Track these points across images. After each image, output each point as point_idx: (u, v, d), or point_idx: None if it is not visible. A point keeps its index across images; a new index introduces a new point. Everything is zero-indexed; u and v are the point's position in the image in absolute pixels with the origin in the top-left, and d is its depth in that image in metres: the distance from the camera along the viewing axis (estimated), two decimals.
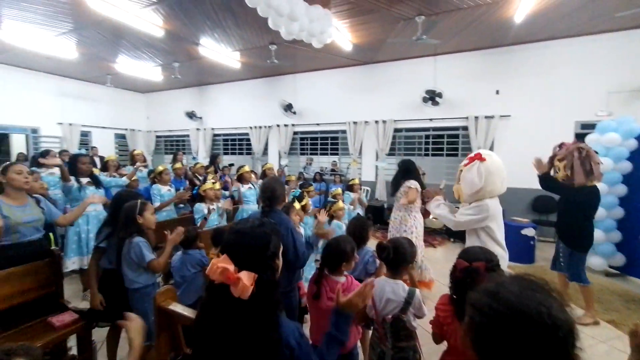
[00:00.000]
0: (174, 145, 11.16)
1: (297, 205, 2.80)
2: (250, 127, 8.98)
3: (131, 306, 2.09)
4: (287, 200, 2.45)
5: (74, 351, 2.26)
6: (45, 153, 4.35)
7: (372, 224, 2.46)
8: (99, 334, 2.35)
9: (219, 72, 8.17)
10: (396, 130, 7.20)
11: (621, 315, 3.12)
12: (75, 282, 3.51)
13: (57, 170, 3.90)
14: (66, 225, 2.83)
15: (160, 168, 4.19)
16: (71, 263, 3.22)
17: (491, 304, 0.66)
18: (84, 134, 9.49)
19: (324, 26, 4.34)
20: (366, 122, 7.40)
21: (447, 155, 6.85)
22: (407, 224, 3.57)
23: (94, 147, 8.59)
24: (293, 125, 8.40)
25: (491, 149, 6.21)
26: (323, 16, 4.25)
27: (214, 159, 6.23)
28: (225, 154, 9.93)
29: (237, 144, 9.82)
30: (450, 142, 6.83)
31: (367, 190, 7.46)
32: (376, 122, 7.23)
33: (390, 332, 1.61)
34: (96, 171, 3.79)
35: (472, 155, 2.17)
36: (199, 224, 3.39)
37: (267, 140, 8.90)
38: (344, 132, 7.83)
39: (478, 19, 4.95)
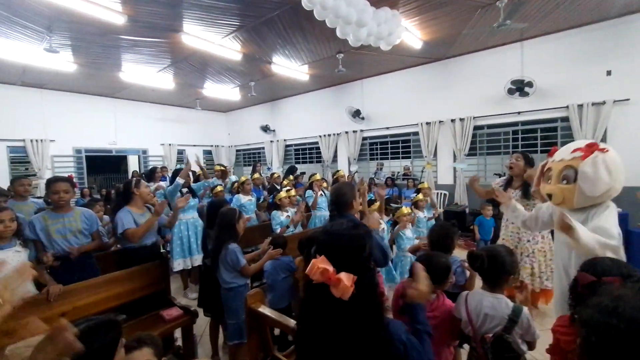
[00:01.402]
0: (251, 157, 12.13)
1: (374, 207, 2.79)
2: (320, 136, 9.22)
3: (224, 304, 2.29)
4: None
5: (179, 342, 2.57)
6: (153, 171, 5.17)
7: (457, 230, 2.22)
8: (199, 329, 2.63)
9: (289, 85, 8.63)
10: (476, 127, 6.57)
11: None
12: (177, 281, 4.02)
13: (162, 185, 4.63)
14: (171, 227, 3.23)
15: (243, 179, 4.58)
16: (177, 264, 3.70)
17: (610, 321, 0.56)
18: (180, 152, 10.98)
19: (392, 27, 4.23)
20: (441, 121, 6.93)
21: (542, 152, 5.94)
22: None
23: (188, 162, 9.87)
24: (362, 131, 8.35)
25: (603, 140, 5.17)
26: (391, 17, 4.14)
27: (290, 170, 6.58)
28: (297, 162, 10.37)
29: (308, 152, 10.18)
30: (545, 137, 5.92)
31: (445, 194, 6.95)
32: (452, 120, 6.70)
33: (491, 353, 1.40)
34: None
35: (580, 146, 1.73)
36: (278, 231, 3.58)
37: (336, 148, 9.02)
38: (415, 134, 7.46)
39: None
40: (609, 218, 1.62)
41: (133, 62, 6.47)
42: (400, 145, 8.01)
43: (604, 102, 5.07)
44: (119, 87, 8.24)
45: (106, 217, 3.98)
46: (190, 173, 5.86)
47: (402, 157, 8.04)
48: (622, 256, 1.54)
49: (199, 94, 9.03)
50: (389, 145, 8.21)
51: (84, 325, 0.91)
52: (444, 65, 6.90)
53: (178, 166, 10.10)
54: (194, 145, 11.38)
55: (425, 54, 6.45)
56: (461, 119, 6.58)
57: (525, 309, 1.43)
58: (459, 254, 2.26)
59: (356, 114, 8.06)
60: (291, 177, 6.17)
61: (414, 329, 1.11)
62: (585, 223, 1.66)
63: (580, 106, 5.26)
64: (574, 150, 1.73)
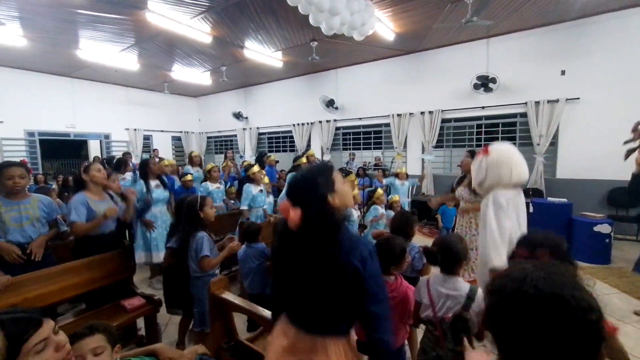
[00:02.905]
0: (223, 145, 11.83)
1: (352, 177, 3.07)
2: (293, 125, 9.16)
3: (191, 292, 2.28)
4: None
5: (142, 332, 2.53)
6: (121, 162, 4.87)
7: (417, 219, 2.37)
8: (164, 318, 2.59)
9: (263, 72, 8.44)
10: (444, 120, 6.82)
11: None
12: (145, 271, 3.90)
13: (128, 176, 4.39)
14: (127, 220, 2.88)
15: (209, 166, 4.48)
16: (138, 257, 3.54)
17: (521, 289, 0.62)
18: (147, 138, 10.47)
19: (365, 17, 4.25)
20: (411, 114, 7.12)
21: (472, 151, 6.30)
22: None
23: (156, 149, 9.47)
24: (335, 120, 8.40)
25: (555, 136, 5.59)
26: (364, 7, 4.15)
27: (261, 157, 6.49)
28: (270, 151, 10.27)
29: (281, 141, 10.10)
30: (506, 132, 6.28)
31: (413, 184, 7.20)
32: (422, 113, 6.91)
33: (450, 333, 1.52)
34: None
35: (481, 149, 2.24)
36: (246, 208, 3.72)
37: (310, 137, 9.02)
38: (387, 125, 7.62)
39: None
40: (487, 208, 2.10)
41: (92, 40, 6.03)
42: (372, 136, 8.16)
43: (557, 100, 5.45)
44: (77, 66, 7.66)
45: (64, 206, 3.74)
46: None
47: (374, 148, 8.21)
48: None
49: (167, 76, 8.61)
50: (362, 136, 8.34)
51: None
52: (415, 58, 7.05)
53: (144, 156, 9.68)
54: (162, 131, 10.90)
55: (397, 46, 6.55)
56: (430, 112, 6.80)
57: (479, 289, 1.55)
58: (424, 241, 2.40)
59: (330, 103, 8.07)
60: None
61: None
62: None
63: (537, 103, 5.62)
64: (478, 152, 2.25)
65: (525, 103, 5.75)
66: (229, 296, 1.83)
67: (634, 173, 2.79)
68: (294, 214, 1.03)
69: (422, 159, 7.09)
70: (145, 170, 3.56)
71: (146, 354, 1.25)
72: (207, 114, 11.93)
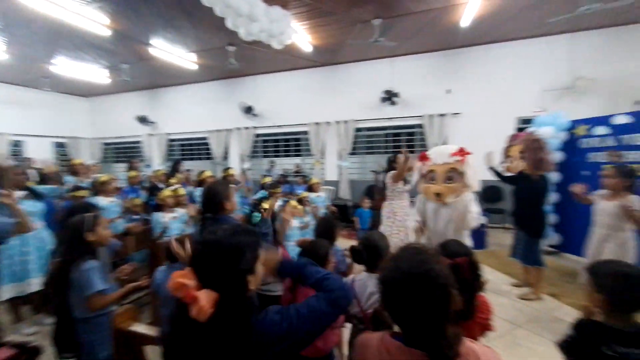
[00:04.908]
0: (125, 153, 10.42)
1: (294, 203, 2.90)
2: (210, 131, 8.67)
3: (80, 340, 1.80)
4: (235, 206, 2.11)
5: None
6: None
7: (339, 223, 2.48)
8: None
9: (174, 73, 7.80)
10: (357, 130, 7.40)
11: (560, 289, 3.49)
12: (11, 312, 3.09)
13: None
14: None
15: (104, 178, 3.76)
16: (5, 292, 2.77)
17: (393, 276, 0.81)
18: (16, 144, 8.49)
19: (283, 27, 4.35)
20: (328, 122, 7.52)
21: (396, 154, 7.13)
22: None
23: (28, 158, 7.71)
24: (254, 127, 8.27)
25: (445, 144, 6.63)
26: (282, 17, 4.25)
27: (175, 166, 5.92)
28: (183, 159, 9.48)
29: (196, 149, 9.43)
30: (408, 140, 7.17)
31: (332, 189, 7.57)
32: (337, 122, 7.37)
33: (372, 328, 1.55)
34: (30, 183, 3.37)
35: (454, 151, 2.37)
36: (157, 236, 3.17)
37: (228, 144, 8.67)
38: (306, 133, 7.87)
39: (430, 22, 5.28)
40: (473, 203, 2.37)
41: None
42: (292, 143, 8.31)
43: (445, 114, 6.52)
44: None
45: None
46: (36, 172, 4.62)
47: (294, 155, 8.36)
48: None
49: (47, 70, 7.18)
50: (281, 143, 8.41)
51: None
52: (331, 70, 7.51)
53: (12, 162, 7.79)
54: (39, 136, 8.99)
55: (315, 57, 6.87)
56: (345, 121, 7.31)
57: None
58: (345, 243, 2.53)
59: (249, 110, 7.93)
60: (180, 175, 5.57)
61: (314, 285, 1.02)
62: (458, 211, 2.39)
63: (431, 116, 6.60)
64: (452, 154, 2.30)
65: (422, 116, 6.69)
66: (140, 328, 1.56)
67: (489, 167, 3.57)
68: (206, 299, 0.76)
69: (339, 166, 7.54)
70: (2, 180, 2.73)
71: None
72: (104, 117, 10.36)
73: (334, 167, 7.67)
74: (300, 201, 4.47)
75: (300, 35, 5.56)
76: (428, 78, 6.73)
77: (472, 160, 2.30)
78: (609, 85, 5.56)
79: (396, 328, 0.86)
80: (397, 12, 4.86)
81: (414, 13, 4.91)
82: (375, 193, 6.18)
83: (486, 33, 5.76)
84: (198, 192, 4.22)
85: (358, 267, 1.83)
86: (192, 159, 9.44)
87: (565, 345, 1.31)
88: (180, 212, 3.45)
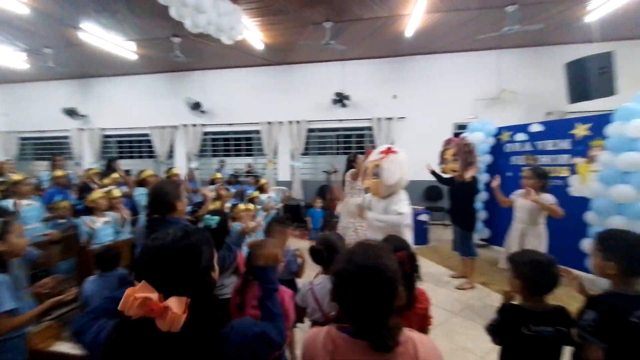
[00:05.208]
0: (48, 149, 9.17)
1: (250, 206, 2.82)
2: (152, 127, 8.05)
3: None
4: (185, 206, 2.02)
5: None
6: None
7: (291, 223, 2.46)
8: None
9: (111, 63, 7.08)
10: (310, 130, 7.46)
11: (490, 277, 3.89)
12: None
13: None
14: None
15: (17, 177, 3.30)
16: None
17: (348, 268, 0.84)
18: None
19: (233, 22, 4.21)
20: (280, 122, 7.46)
21: (356, 154, 7.39)
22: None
23: None
24: (203, 125, 7.88)
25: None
26: (232, 11, 4.11)
27: (110, 164, 5.35)
28: (121, 158, 8.67)
29: (137, 146, 8.67)
30: (358, 142, 7.42)
31: (284, 190, 7.53)
32: (290, 122, 7.35)
33: None
34: None
35: (383, 149, 2.52)
36: (84, 241, 2.83)
37: (173, 142, 8.13)
38: (258, 132, 7.72)
39: (378, 30, 5.52)
40: (401, 202, 2.41)
41: None
42: (244, 142, 8.08)
43: (392, 118, 6.88)
44: None
45: None
46: None
47: (245, 155, 8.14)
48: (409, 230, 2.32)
49: None
50: (232, 142, 8.13)
51: None
52: (284, 69, 7.46)
53: None
54: None
55: (267, 56, 6.77)
56: (298, 122, 7.32)
57: None
58: (297, 243, 2.53)
59: (196, 106, 7.52)
60: (117, 174, 5.05)
61: (265, 289, 1.12)
62: (387, 208, 2.45)
63: (379, 119, 6.92)
64: (380, 152, 2.44)
65: (371, 119, 6.98)
66: (63, 347, 1.35)
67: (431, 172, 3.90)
68: (178, 306, 0.71)
69: (292, 166, 7.53)
70: None
71: None
72: (21, 107, 9.01)
73: (287, 167, 7.63)
74: (252, 201, 4.39)
75: (252, 32, 5.43)
76: (376, 83, 7.04)
77: (396, 158, 2.44)
78: (527, 97, 6.38)
79: None
80: (347, 17, 5.01)
81: (363, 19, 5.10)
82: (327, 193, 6.30)
83: (427, 44, 6.21)
84: (139, 193, 3.87)
85: (309, 271, 1.81)
86: (132, 157, 8.67)
87: (491, 329, 1.46)
88: (114, 215, 3.14)
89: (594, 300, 1.37)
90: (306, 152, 7.63)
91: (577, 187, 3.78)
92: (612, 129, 3.30)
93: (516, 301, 1.48)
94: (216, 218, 1.98)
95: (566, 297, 1.86)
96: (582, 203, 3.56)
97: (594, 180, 3.48)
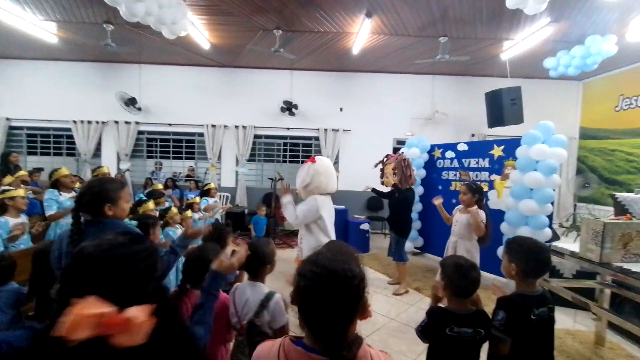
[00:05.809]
0: None
1: (175, 210, 2.73)
2: (74, 122, 7.12)
3: None
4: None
5: None
6: None
7: (231, 230, 2.38)
8: None
9: (24, 44, 6.13)
10: (256, 136, 7.32)
11: (423, 283, 4.18)
12: None
13: None
14: None
15: None
16: None
17: (313, 270, 0.81)
18: None
19: (176, 16, 3.97)
20: (226, 126, 7.19)
21: (303, 162, 7.45)
22: None
23: None
24: (137, 123, 7.21)
25: (337, 157, 7.22)
26: (175, 4, 3.88)
27: (5, 159, 4.51)
28: (33, 154, 7.49)
29: (54, 141, 7.56)
30: (305, 151, 7.49)
31: (228, 196, 7.23)
32: (236, 127, 7.13)
33: (247, 339, 1.46)
34: None
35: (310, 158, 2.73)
36: None
37: (101, 139, 7.29)
38: (201, 135, 7.32)
39: (327, 44, 5.70)
40: (300, 206, 2.58)
41: None
42: (184, 144, 7.59)
43: (338, 130, 7.10)
44: None
45: None
46: None
47: (186, 158, 7.65)
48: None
49: None
50: (171, 144, 7.57)
51: None
52: (231, 72, 7.24)
53: None
54: None
55: (214, 56, 6.51)
56: (244, 127, 7.13)
57: (277, 296, 1.50)
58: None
59: (131, 102, 6.86)
60: (23, 172, 4.30)
61: (207, 294, 1.18)
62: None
63: (325, 130, 7.10)
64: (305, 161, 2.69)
65: (318, 129, 7.12)
66: None
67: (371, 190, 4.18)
68: (143, 314, 0.65)
69: (236, 171, 7.28)
70: None
71: None
72: None
73: (231, 173, 7.35)
74: (191, 207, 4.14)
75: (198, 30, 5.19)
76: (324, 94, 7.23)
77: (309, 167, 2.61)
78: (456, 119, 7.15)
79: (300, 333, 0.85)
80: (297, 27, 5.09)
81: (312, 32, 5.22)
82: (272, 201, 6.21)
83: (372, 63, 6.60)
84: (50, 195, 3.33)
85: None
86: (46, 154, 7.52)
87: (420, 330, 1.56)
88: (10, 220, 2.68)
89: (503, 301, 1.55)
90: (252, 159, 7.45)
91: (494, 201, 4.30)
92: (520, 152, 3.85)
93: (442, 304, 1.61)
94: (134, 223, 1.87)
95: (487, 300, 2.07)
96: (499, 215, 4.05)
97: (507, 195, 3.99)
